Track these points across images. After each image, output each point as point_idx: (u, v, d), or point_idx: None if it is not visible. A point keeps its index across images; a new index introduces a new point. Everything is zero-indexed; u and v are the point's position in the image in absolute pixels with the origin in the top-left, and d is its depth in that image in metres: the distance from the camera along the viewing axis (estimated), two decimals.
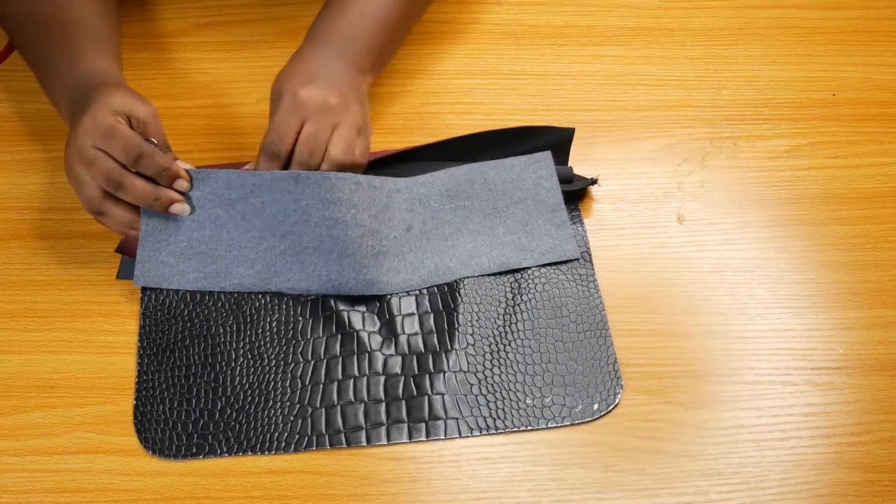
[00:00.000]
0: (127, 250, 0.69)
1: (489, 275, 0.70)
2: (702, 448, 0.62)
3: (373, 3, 0.74)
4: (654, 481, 0.61)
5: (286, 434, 0.63)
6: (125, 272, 0.70)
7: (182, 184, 0.67)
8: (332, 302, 0.68)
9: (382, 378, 0.65)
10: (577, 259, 0.70)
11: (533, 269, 0.71)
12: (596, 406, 0.64)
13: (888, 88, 0.84)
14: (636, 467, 0.62)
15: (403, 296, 0.69)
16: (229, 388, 0.64)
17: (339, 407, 0.64)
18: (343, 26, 0.73)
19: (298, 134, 0.68)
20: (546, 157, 0.74)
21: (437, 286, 0.69)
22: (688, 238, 0.73)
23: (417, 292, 0.69)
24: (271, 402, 0.64)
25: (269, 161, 0.68)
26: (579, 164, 0.77)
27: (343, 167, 0.68)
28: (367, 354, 0.66)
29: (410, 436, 0.63)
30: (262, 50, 0.86)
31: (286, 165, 0.69)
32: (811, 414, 0.64)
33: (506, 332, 0.67)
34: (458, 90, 0.83)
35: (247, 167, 0.70)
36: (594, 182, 0.75)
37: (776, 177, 0.78)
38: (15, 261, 0.71)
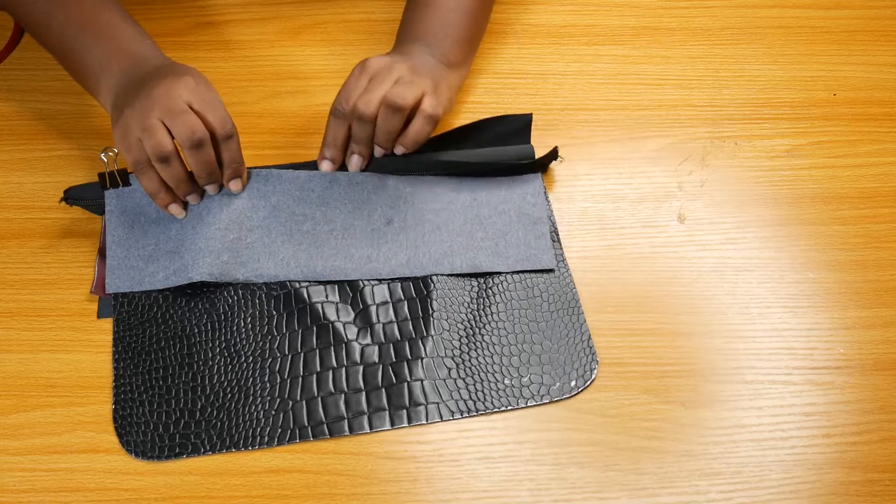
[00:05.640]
0: (102, 289, 0.69)
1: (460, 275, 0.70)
2: (702, 448, 0.62)
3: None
4: (654, 481, 0.61)
5: (268, 429, 0.62)
6: (105, 312, 0.68)
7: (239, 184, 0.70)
8: (305, 295, 0.68)
9: (360, 367, 0.65)
10: (552, 270, 0.70)
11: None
12: (573, 383, 0.64)
13: (888, 88, 0.84)
14: (636, 467, 0.62)
15: (376, 284, 0.69)
16: (208, 387, 0.64)
17: (319, 398, 0.64)
18: (429, 25, 0.75)
19: None
20: (536, 178, 0.75)
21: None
22: (688, 237, 0.73)
23: (390, 281, 0.69)
24: (251, 398, 0.64)
25: (336, 120, 0.70)
26: (579, 163, 0.77)
27: (396, 109, 0.68)
28: (343, 345, 0.66)
29: (392, 423, 0.63)
30: (262, 50, 0.86)
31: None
32: (812, 413, 0.64)
33: (480, 315, 0.68)
34: None
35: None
36: (555, 155, 0.74)
37: (776, 176, 0.78)
38: (15, 260, 0.71)
